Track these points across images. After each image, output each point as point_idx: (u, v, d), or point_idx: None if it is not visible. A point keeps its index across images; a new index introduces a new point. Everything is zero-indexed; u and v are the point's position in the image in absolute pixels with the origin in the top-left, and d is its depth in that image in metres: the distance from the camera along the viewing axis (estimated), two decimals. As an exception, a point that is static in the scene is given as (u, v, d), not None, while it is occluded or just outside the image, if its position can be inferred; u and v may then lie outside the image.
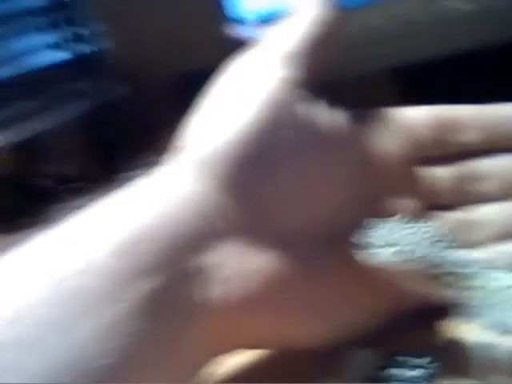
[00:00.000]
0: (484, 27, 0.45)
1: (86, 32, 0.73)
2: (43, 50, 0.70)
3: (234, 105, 0.19)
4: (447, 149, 0.21)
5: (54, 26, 0.71)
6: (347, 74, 0.56)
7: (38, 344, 0.14)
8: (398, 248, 0.18)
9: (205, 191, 0.18)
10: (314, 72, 0.20)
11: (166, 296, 0.16)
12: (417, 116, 0.21)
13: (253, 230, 0.18)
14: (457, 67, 0.46)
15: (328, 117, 0.20)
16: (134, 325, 0.16)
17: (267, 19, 0.68)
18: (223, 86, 0.20)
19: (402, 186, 0.21)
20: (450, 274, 0.18)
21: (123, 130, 0.75)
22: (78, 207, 0.18)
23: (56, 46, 0.71)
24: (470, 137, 0.21)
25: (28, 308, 0.15)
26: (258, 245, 0.18)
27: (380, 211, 0.20)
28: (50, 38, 0.71)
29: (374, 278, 0.19)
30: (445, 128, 0.21)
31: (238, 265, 0.18)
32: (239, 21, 0.69)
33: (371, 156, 0.20)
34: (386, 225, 0.18)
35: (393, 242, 0.18)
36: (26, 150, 0.72)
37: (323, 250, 0.19)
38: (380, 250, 0.18)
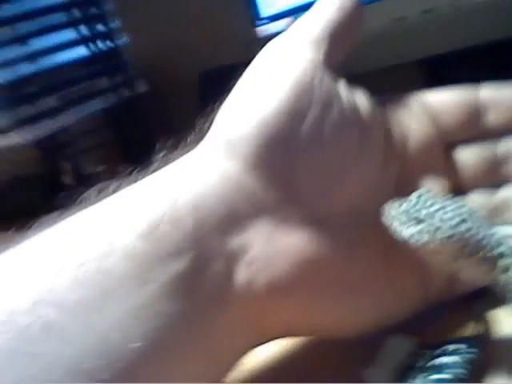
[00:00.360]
0: (509, 18, 0.45)
1: (105, 29, 0.74)
2: (64, 48, 0.71)
3: (263, 87, 0.19)
4: (472, 132, 0.21)
5: (73, 23, 0.72)
6: (372, 65, 0.56)
7: (61, 328, 0.14)
8: (424, 224, 0.17)
9: (231, 172, 0.18)
10: (337, 56, 0.20)
11: (194, 278, 0.16)
12: (440, 100, 0.21)
13: (284, 209, 0.18)
14: (482, 59, 0.45)
15: (362, 98, 0.20)
16: (162, 307, 0.15)
17: (293, 16, 0.68)
18: (253, 71, 0.20)
19: (430, 168, 0.21)
20: (486, 252, 0.17)
21: (144, 126, 0.76)
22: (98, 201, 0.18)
23: (76, 44, 0.72)
24: (494, 119, 0.21)
25: (49, 292, 0.15)
26: (290, 225, 0.17)
27: (409, 192, 0.19)
28: (70, 35, 0.71)
29: (420, 261, 0.18)
30: (468, 112, 0.21)
31: (267, 246, 0.17)
32: (266, 18, 0.69)
33: (401, 138, 0.20)
34: (414, 201, 0.17)
35: (420, 218, 0.17)
36: (48, 146, 0.73)
37: (359, 230, 0.19)
38: (406, 227, 0.17)
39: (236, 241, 0.17)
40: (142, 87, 0.78)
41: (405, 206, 0.17)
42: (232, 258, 0.17)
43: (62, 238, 0.17)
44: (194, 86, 0.67)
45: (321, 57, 0.20)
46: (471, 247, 0.17)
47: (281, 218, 0.17)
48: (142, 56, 0.78)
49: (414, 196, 0.18)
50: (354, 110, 0.19)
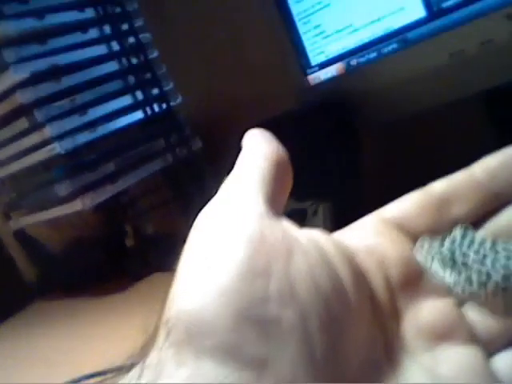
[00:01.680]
0: None
1: (159, 92, 0.76)
2: (121, 114, 0.73)
3: (215, 254, 0.16)
4: (441, 225, 0.19)
5: (129, 89, 0.74)
6: (432, 102, 0.53)
7: None
8: (473, 271, 0.14)
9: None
10: (280, 199, 0.20)
11: None
12: (401, 209, 0.20)
13: None
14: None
15: (317, 235, 0.18)
16: None
17: (343, 61, 0.67)
18: (195, 241, 0.18)
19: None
20: None
21: (200, 181, 0.76)
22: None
23: (133, 109, 0.74)
24: (458, 209, 0.19)
25: None
26: None
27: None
28: (126, 101, 0.73)
29: None
30: (432, 210, 0.19)
31: None
32: (316, 65, 0.69)
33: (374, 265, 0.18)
34: (458, 241, 0.15)
35: (467, 263, 0.15)
36: (110, 210, 0.75)
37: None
38: (450, 271, 0.15)
39: None
40: (196, 144, 0.79)
41: (447, 245, 0.15)
42: None
43: None
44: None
45: (263, 207, 0.18)
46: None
47: None
48: (195, 114, 0.79)
49: (457, 234, 0.15)
50: (318, 248, 0.17)
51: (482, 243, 0.15)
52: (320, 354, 0.15)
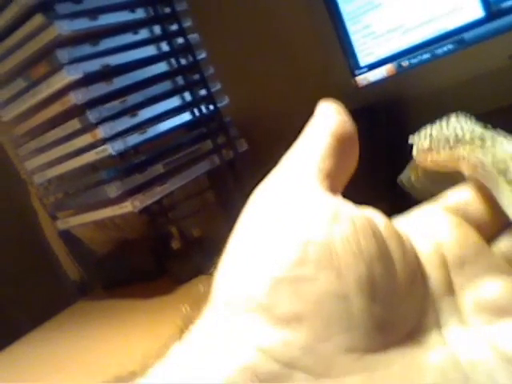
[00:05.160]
0: None
1: (207, 93, 0.75)
2: (170, 115, 0.72)
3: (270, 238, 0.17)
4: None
5: (178, 90, 0.74)
6: (490, 105, 0.52)
7: None
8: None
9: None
10: (339, 179, 0.19)
11: None
12: (463, 197, 0.20)
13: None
14: None
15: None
16: None
17: (392, 62, 0.65)
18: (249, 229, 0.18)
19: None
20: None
21: (245, 185, 0.75)
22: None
23: (181, 110, 0.73)
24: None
25: None
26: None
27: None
28: (174, 102, 0.73)
29: None
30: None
31: None
32: (365, 66, 0.68)
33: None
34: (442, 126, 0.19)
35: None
36: (156, 212, 0.74)
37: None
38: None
39: None
40: (242, 146, 0.78)
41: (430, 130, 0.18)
42: None
43: None
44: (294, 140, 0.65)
45: (318, 182, 0.18)
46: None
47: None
48: (242, 115, 0.79)
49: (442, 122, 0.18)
50: (369, 220, 0.17)
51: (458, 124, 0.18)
52: (358, 315, 0.15)
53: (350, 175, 0.20)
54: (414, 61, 0.67)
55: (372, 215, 0.17)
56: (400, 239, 0.17)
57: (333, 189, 0.18)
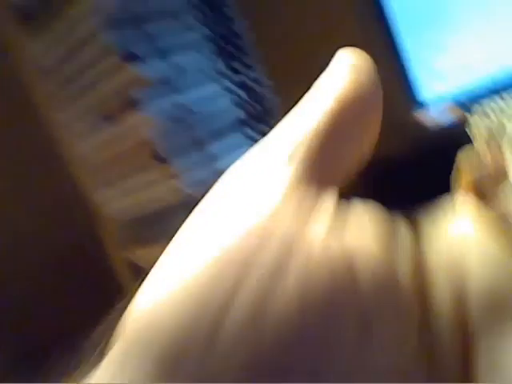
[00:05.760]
0: None
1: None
2: (235, 150, 0.74)
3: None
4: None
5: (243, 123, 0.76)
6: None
7: None
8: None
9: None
10: (336, 163, 0.14)
11: None
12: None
13: None
14: None
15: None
16: None
17: (456, 102, 0.65)
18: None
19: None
20: None
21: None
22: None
23: (246, 145, 0.75)
24: None
25: None
26: None
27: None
28: (239, 136, 0.75)
29: None
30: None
31: None
32: (427, 104, 0.67)
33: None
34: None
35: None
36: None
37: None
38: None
39: None
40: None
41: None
42: None
43: None
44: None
45: (295, 172, 0.13)
46: None
47: None
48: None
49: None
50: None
51: None
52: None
53: (361, 160, 0.15)
54: (484, 101, 0.67)
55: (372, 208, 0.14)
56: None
57: (321, 179, 0.14)
